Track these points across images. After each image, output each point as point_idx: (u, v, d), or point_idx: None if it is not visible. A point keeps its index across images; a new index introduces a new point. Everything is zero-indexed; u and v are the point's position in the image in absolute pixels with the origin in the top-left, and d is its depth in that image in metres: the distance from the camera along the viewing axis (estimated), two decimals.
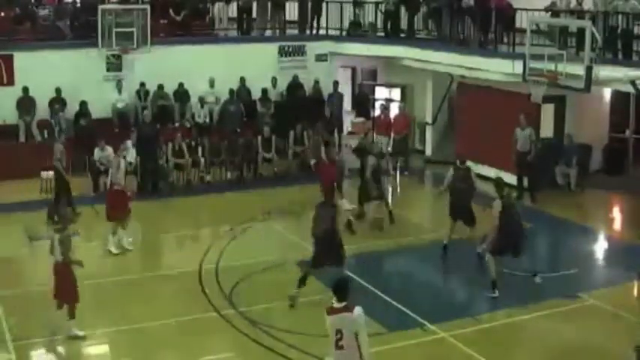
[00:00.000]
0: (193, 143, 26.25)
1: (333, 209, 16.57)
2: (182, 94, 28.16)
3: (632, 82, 21.62)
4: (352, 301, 10.85)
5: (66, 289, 14.88)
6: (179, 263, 19.58)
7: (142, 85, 27.84)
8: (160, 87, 27.82)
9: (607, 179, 26.77)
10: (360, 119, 30.82)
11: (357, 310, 10.82)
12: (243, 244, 20.93)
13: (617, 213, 25.09)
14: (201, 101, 28.03)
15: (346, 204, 20.04)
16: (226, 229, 21.90)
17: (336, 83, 30.17)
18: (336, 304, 10.87)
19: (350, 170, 23.62)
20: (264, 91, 28.89)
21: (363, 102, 31.14)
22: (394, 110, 29.73)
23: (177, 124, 27.74)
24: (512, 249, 17.17)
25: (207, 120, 28.09)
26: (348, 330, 10.76)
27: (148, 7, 28.08)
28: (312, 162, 25.74)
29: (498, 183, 17.72)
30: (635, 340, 13.80)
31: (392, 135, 28.61)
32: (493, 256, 17.13)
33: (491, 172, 26.46)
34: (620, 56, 23.73)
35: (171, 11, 29.36)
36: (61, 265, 14.83)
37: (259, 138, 27.06)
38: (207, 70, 28.18)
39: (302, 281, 16.60)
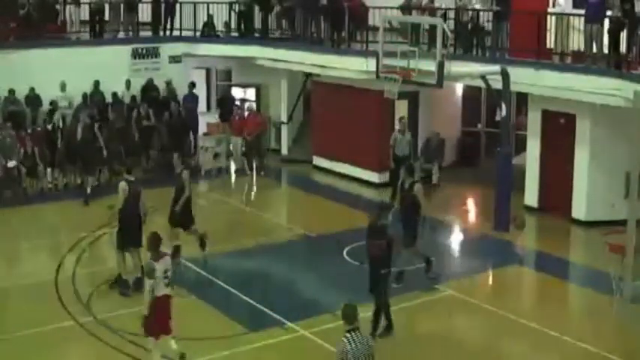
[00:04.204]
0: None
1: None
2: (33, 98, 27.44)
3: (483, 77, 22.10)
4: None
5: None
6: (34, 272, 19.11)
7: None
8: (11, 92, 27.05)
9: (461, 172, 27.40)
10: (216, 120, 30.64)
11: None
12: (100, 250, 20.59)
13: (470, 205, 25.69)
14: (54, 106, 27.38)
15: None
16: (83, 235, 21.43)
17: (192, 84, 29.93)
18: None
19: None
20: (115, 95, 28.44)
21: (225, 103, 30.94)
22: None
23: (29, 130, 26.99)
24: None
25: (61, 125, 27.42)
26: None
27: None
28: None
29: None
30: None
31: (245, 135, 28.57)
32: None
33: (347, 169, 26.96)
34: (474, 52, 24.29)
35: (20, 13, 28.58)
36: None
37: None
38: (60, 74, 27.45)
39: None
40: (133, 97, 28.61)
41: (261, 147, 28.92)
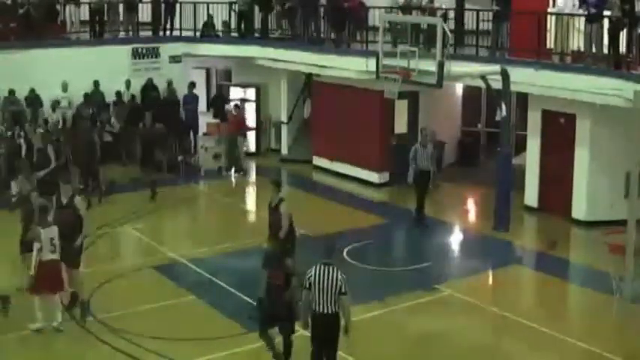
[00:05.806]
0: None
1: None
2: (33, 99, 27.42)
3: (483, 77, 22.08)
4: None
5: None
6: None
7: None
8: (11, 92, 27.02)
9: (461, 172, 27.39)
10: (215, 120, 30.64)
11: None
12: (100, 249, 20.54)
13: (469, 205, 25.66)
14: (54, 106, 27.36)
15: None
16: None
17: (192, 84, 29.93)
18: None
19: None
20: (118, 94, 28.46)
21: (219, 103, 30.94)
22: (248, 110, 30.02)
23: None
24: None
25: (61, 124, 27.39)
26: None
27: None
28: None
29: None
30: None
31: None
32: None
33: (347, 169, 26.93)
34: (475, 52, 24.27)
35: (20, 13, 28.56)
36: None
37: None
38: (60, 74, 27.48)
39: None
40: (116, 102, 28.60)
41: (235, 147, 28.56)
